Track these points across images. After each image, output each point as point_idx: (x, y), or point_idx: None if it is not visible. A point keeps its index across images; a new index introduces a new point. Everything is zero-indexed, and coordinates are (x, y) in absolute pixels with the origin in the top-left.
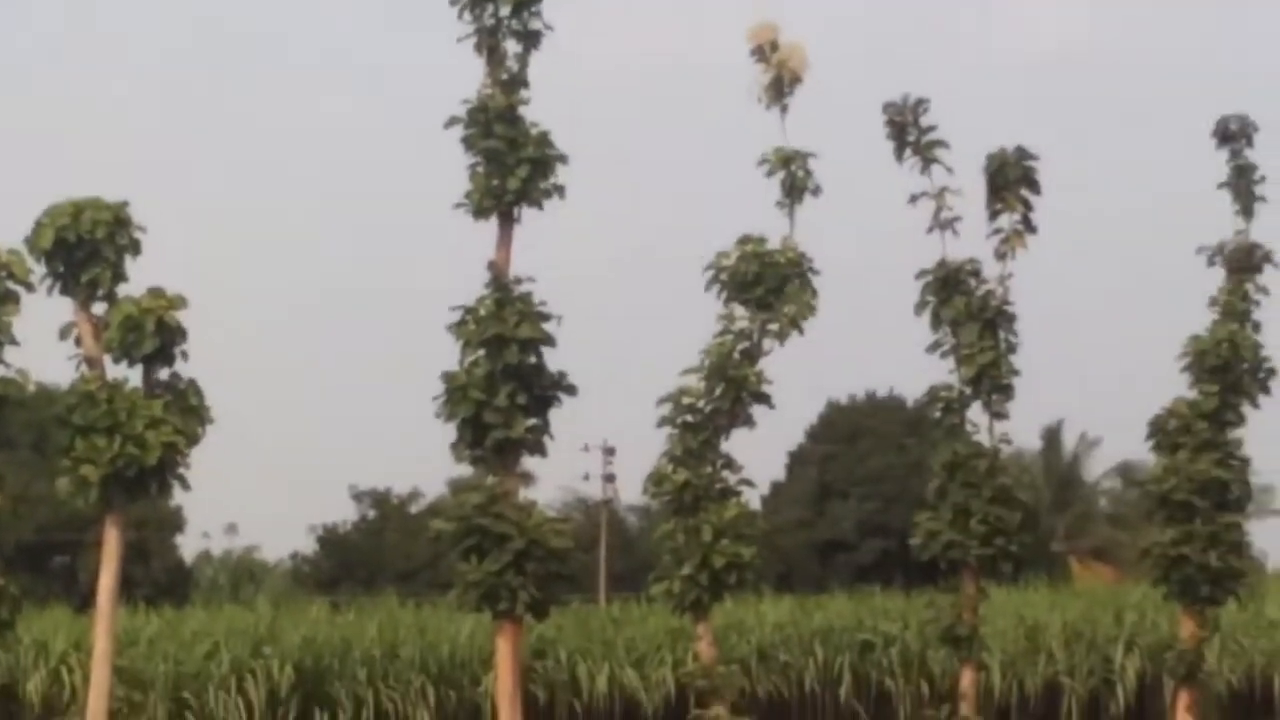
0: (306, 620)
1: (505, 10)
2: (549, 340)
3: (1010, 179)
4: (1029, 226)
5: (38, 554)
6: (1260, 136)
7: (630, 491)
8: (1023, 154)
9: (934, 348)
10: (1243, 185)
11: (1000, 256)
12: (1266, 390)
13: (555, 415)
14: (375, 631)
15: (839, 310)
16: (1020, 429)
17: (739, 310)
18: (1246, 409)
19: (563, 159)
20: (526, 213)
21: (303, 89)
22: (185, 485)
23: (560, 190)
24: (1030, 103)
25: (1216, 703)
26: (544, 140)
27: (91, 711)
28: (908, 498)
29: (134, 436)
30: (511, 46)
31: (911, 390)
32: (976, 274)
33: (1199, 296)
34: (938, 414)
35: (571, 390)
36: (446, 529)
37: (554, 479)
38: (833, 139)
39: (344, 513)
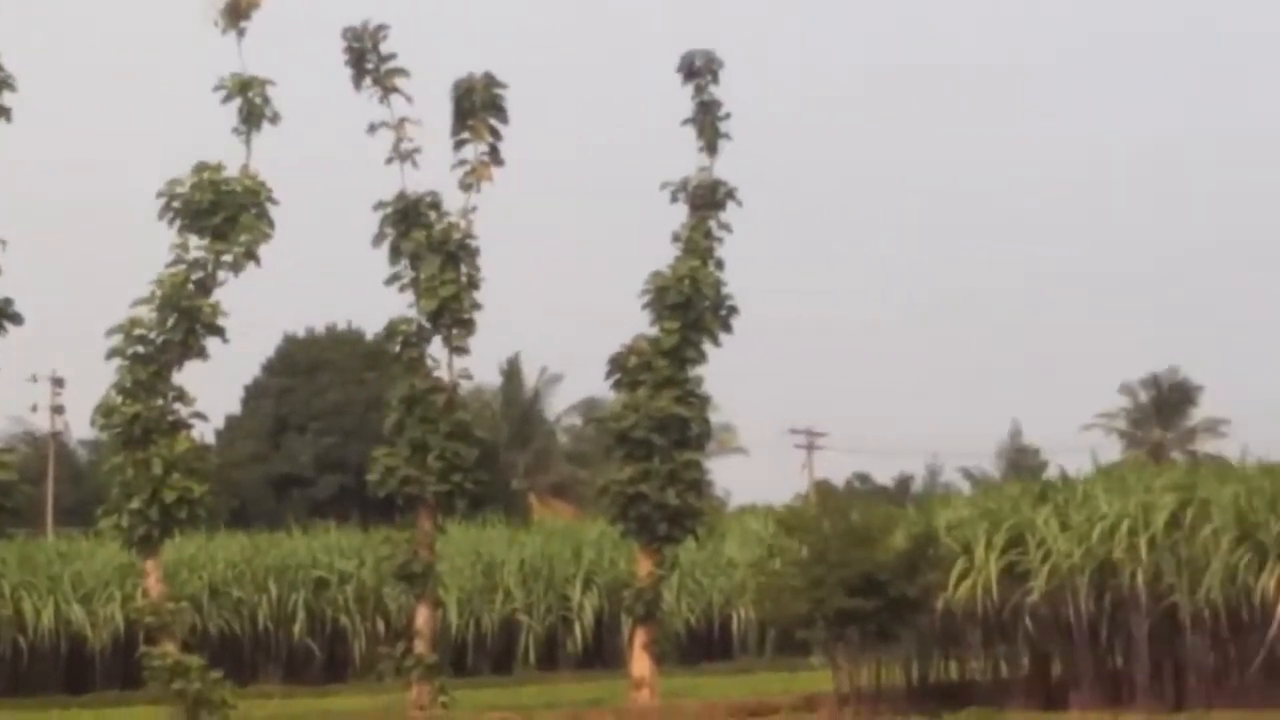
0: None
1: None
2: None
3: (477, 105)
4: (496, 158)
5: None
6: (725, 73)
7: (80, 424)
8: (491, 80)
9: (393, 280)
10: (707, 121)
11: (465, 188)
12: (728, 328)
13: (0, 344)
14: None
15: (299, 241)
16: (480, 364)
17: (194, 240)
18: (708, 346)
19: (10, 81)
20: None
21: None
22: None
23: (8, 113)
24: (497, 37)
25: (675, 641)
26: None
27: None
28: (366, 432)
29: None
30: None
31: (371, 323)
32: (437, 206)
33: (663, 233)
34: (397, 348)
35: (17, 319)
36: None
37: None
38: (295, 67)
39: None
